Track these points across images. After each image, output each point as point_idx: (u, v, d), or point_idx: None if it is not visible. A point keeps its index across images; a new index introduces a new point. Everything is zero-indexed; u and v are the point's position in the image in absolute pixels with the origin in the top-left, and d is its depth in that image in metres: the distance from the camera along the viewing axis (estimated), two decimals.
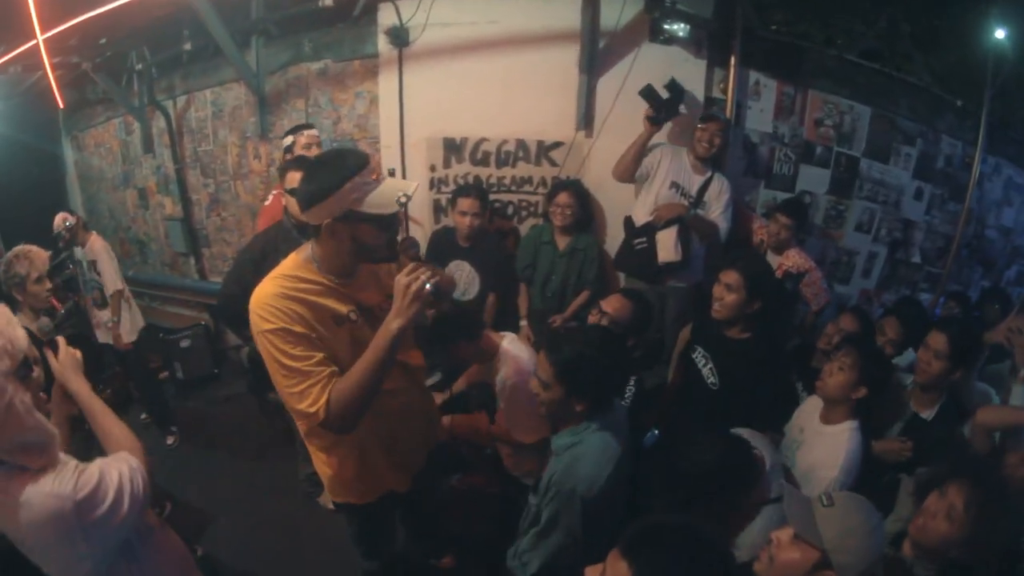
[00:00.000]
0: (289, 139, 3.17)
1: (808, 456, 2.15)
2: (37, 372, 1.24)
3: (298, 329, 1.47)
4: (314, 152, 3.19)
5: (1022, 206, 4.35)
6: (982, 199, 4.07)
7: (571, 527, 1.70)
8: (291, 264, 1.58)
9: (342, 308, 1.58)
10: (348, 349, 1.56)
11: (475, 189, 3.23)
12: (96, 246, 3.65)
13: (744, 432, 1.96)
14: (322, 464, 1.83)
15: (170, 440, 3.80)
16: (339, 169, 1.43)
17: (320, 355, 1.49)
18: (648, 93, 3.03)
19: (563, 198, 3.21)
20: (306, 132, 3.16)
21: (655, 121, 3.06)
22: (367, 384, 1.48)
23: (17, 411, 1.15)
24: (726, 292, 2.35)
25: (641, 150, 3.13)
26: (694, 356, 2.56)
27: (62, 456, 1.26)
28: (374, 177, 1.46)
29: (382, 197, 1.44)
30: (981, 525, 1.52)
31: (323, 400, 1.46)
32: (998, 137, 3.89)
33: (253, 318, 1.49)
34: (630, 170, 3.16)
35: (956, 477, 1.60)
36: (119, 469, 1.29)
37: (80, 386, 1.49)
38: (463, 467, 2.89)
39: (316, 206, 1.46)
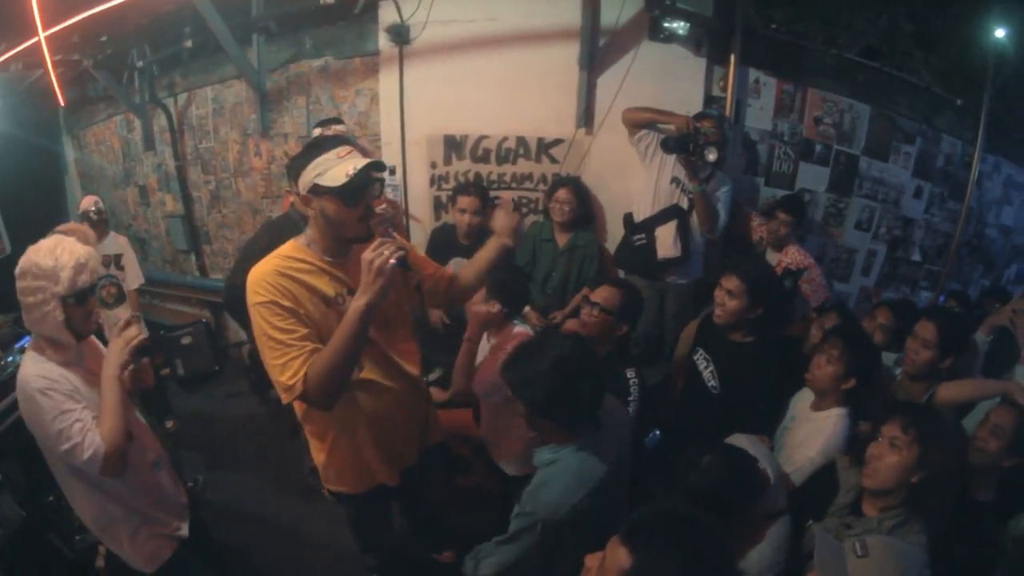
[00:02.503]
0: (317, 131, 3.19)
1: (793, 438, 2.20)
2: (92, 302, 1.70)
3: (285, 303, 1.55)
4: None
5: (1022, 205, 4.35)
6: (982, 198, 4.08)
7: (528, 547, 1.68)
8: (290, 246, 1.67)
9: (331, 290, 1.65)
10: (335, 330, 1.59)
11: (475, 187, 3.23)
12: (121, 240, 3.73)
13: (745, 440, 1.98)
14: (316, 451, 1.91)
15: (169, 424, 3.79)
16: (316, 148, 1.57)
17: (305, 331, 1.56)
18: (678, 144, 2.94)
19: (562, 194, 3.21)
20: (333, 127, 3.19)
21: (667, 148, 3.00)
22: (340, 360, 1.53)
23: (51, 320, 1.62)
24: (728, 298, 2.34)
25: (656, 119, 3.11)
26: (695, 358, 2.56)
27: (85, 414, 1.60)
28: (341, 155, 1.54)
29: (337, 171, 1.51)
30: (926, 441, 1.60)
31: (301, 373, 1.53)
32: (998, 136, 3.89)
33: (248, 293, 1.57)
34: (638, 123, 3.15)
35: (886, 418, 1.71)
36: (89, 437, 1.57)
37: (108, 373, 1.67)
38: (465, 465, 2.90)
39: (297, 182, 1.59)
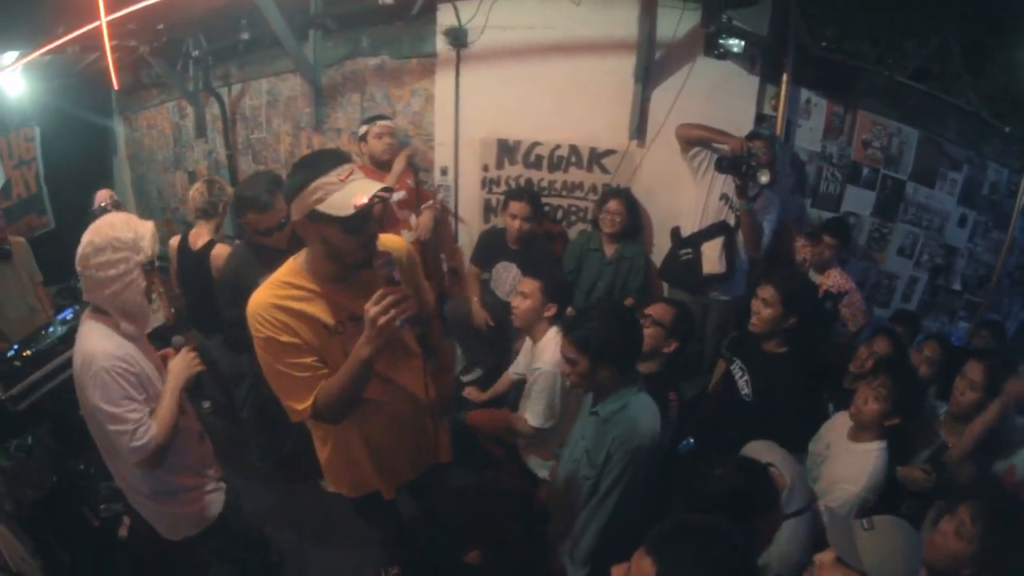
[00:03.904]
0: (364, 128, 3.31)
1: (833, 470, 2.20)
2: (155, 267, 1.78)
3: (284, 338, 1.51)
4: (386, 141, 3.30)
5: None
6: None
7: (633, 483, 1.86)
8: (287, 269, 1.60)
9: (332, 318, 1.58)
10: (339, 358, 1.58)
11: (527, 193, 3.26)
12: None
13: (763, 447, 2.03)
14: (318, 449, 1.92)
15: (207, 404, 3.84)
16: (312, 167, 1.44)
17: (308, 359, 1.54)
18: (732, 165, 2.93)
19: (614, 205, 3.26)
20: (379, 122, 3.29)
21: (720, 168, 2.99)
22: (347, 393, 1.54)
23: (135, 289, 1.71)
24: (763, 306, 2.40)
25: (711, 138, 3.10)
26: (732, 368, 2.61)
27: (144, 408, 1.70)
28: (342, 178, 1.42)
29: (342, 198, 1.40)
30: (990, 540, 1.57)
31: (310, 401, 1.55)
32: None
33: (249, 322, 1.55)
34: (692, 140, 3.14)
35: (967, 498, 1.66)
36: (142, 430, 1.67)
37: (172, 385, 1.81)
38: (492, 466, 2.96)
39: (291, 203, 1.48)
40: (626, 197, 3.31)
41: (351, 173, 1.43)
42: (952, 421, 2.37)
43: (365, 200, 1.38)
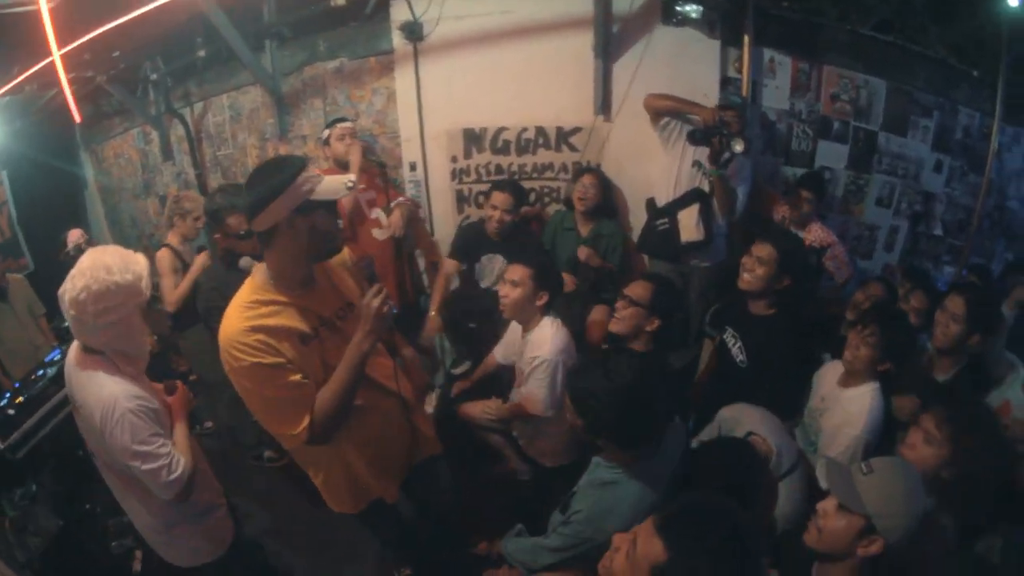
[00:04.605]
0: (326, 132, 3.31)
1: (831, 420, 2.19)
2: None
3: (269, 360, 1.49)
4: (347, 143, 3.27)
5: None
6: (1002, 170, 4.02)
7: (567, 559, 1.73)
8: (248, 289, 1.59)
9: (306, 326, 1.59)
10: (318, 367, 1.60)
11: (510, 185, 3.18)
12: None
13: (738, 414, 2.01)
14: (313, 477, 1.88)
15: (208, 425, 3.82)
16: (286, 168, 1.50)
17: (295, 377, 1.53)
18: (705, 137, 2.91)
19: (587, 179, 3.23)
20: (340, 125, 3.28)
21: (693, 140, 2.96)
22: (343, 400, 1.57)
23: (137, 331, 1.70)
24: (757, 265, 2.35)
25: (681, 109, 3.07)
26: (724, 337, 2.57)
27: (168, 442, 1.71)
28: (319, 172, 1.57)
29: (332, 184, 1.53)
30: (959, 442, 1.64)
31: (305, 422, 1.53)
32: (1016, 107, 3.84)
33: (225, 357, 1.51)
34: (661, 111, 3.10)
35: (927, 409, 1.75)
36: (170, 463, 1.67)
37: (181, 414, 1.87)
38: (493, 456, 2.91)
39: (268, 207, 1.48)
40: (598, 173, 3.28)
41: (325, 170, 1.63)
42: (938, 356, 2.35)
43: (352, 183, 1.55)
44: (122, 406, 1.60)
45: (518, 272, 2.41)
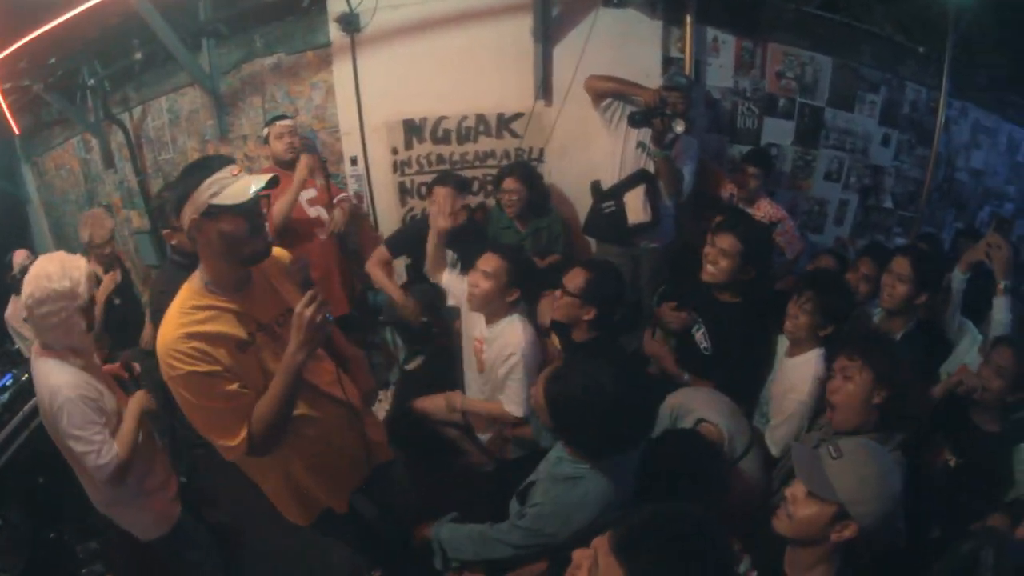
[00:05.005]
0: (265, 130, 3.24)
1: (777, 388, 2.20)
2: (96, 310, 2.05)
3: (204, 369, 1.44)
4: (286, 141, 3.18)
5: (991, 148, 4.35)
6: (950, 143, 4.06)
7: (527, 555, 1.66)
8: (186, 293, 1.55)
9: (242, 331, 1.54)
10: (258, 375, 1.55)
11: (451, 177, 3.06)
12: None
13: (686, 399, 1.96)
14: (261, 485, 1.83)
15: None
16: (199, 170, 1.48)
17: (232, 387, 1.48)
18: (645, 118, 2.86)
19: (509, 183, 3.14)
20: (278, 123, 3.20)
21: (634, 122, 2.91)
22: (281, 412, 1.52)
23: (77, 330, 1.86)
24: (721, 257, 2.25)
25: (622, 91, 3.02)
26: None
27: (105, 430, 1.87)
28: (234, 173, 1.48)
29: (238, 188, 1.45)
30: (876, 363, 1.71)
31: (244, 433, 1.49)
32: (962, 81, 3.88)
33: (162, 364, 1.46)
34: (602, 93, 3.04)
35: (839, 353, 1.83)
36: (100, 450, 1.84)
37: (133, 410, 2.00)
38: (454, 451, 2.83)
39: (181, 210, 1.48)
40: (523, 172, 3.20)
41: (240, 171, 1.50)
42: (887, 317, 2.35)
43: (260, 186, 1.45)
44: (63, 394, 1.79)
45: (492, 263, 2.25)
